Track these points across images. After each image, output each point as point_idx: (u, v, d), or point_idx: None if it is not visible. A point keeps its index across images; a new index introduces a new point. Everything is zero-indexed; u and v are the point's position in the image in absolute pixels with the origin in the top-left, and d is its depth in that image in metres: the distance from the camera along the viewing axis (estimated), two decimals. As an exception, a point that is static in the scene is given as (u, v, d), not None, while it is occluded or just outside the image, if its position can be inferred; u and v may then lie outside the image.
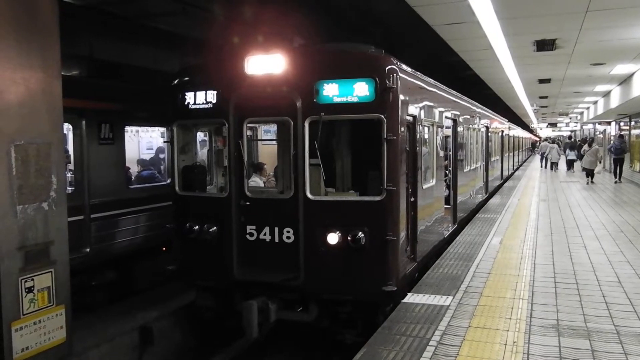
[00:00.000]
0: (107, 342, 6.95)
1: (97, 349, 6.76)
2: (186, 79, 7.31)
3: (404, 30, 12.64)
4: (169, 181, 9.38)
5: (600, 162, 23.82)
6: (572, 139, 39.78)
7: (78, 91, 7.97)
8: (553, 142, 37.26)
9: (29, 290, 5.56)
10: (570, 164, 30.21)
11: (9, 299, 5.37)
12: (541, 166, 32.61)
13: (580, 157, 28.66)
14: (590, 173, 22.39)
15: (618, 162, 22.61)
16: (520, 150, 39.74)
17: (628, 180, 23.06)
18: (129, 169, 10.13)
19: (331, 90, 6.31)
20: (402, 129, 6.55)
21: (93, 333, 7.06)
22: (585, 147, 26.26)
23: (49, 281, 5.77)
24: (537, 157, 50.14)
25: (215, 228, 6.95)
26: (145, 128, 11.16)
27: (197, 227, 7.03)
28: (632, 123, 24.70)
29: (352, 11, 11.86)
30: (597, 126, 37.28)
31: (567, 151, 31.16)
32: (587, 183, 21.89)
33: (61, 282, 5.92)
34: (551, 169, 31.24)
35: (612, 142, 25.08)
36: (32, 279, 5.59)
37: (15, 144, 5.37)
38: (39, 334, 5.69)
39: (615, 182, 22.08)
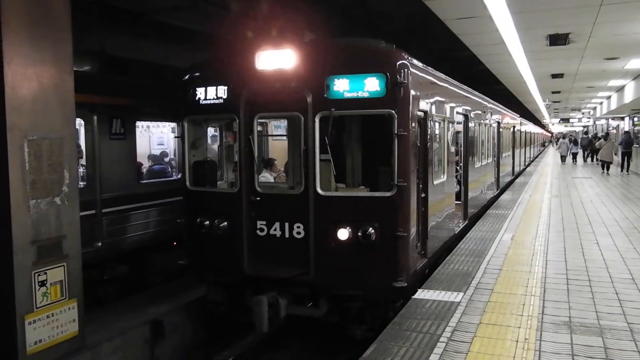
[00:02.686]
0: (119, 336, 7.00)
1: (110, 342, 6.82)
2: (197, 74, 7.32)
3: (415, 24, 12.57)
4: (179, 176, 9.43)
5: (616, 155, 25.89)
6: (587, 134, 40.32)
7: (90, 86, 8.01)
8: (564, 138, 40.70)
9: (42, 283, 5.62)
10: (573, 156, 34.05)
11: (22, 293, 5.43)
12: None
13: (593, 151, 31.46)
14: (606, 165, 24.55)
15: (626, 155, 24.74)
16: (533, 146, 39.55)
17: (634, 173, 24.21)
18: (141, 164, 10.19)
19: (342, 86, 6.29)
20: (413, 124, 6.52)
21: (105, 326, 7.12)
22: (602, 141, 27.99)
23: (62, 275, 5.83)
24: (549, 153, 50.28)
25: (225, 223, 6.97)
26: (156, 123, 11.21)
27: (207, 222, 7.06)
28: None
29: (363, 6, 11.81)
30: (611, 121, 37.03)
31: (571, 145, 34.72)
32: (602, 174, 23.82)
33: (73, 276, 5.97)
34: (562, 161, 33.12)
35: (621, 137, 27.37)
36: (45, 273, 5.65)
37: (28, 139, 5.42)
38: (52, 327, 5.75)
39: (623, 173, 24.29)
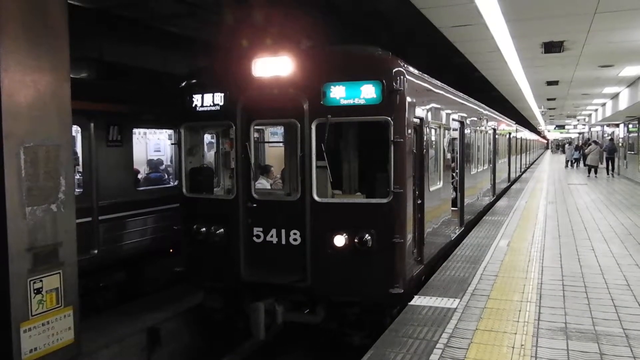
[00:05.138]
0: (116, 343, 6.98)
1: (106, 349, 6.79)
2: (194, 81, 7.33)
3: (411, 32, 12.63)
4: (176, 183, 9.42)
5: (601, 162, 28.70)
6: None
7: (87, 93, 8.02)
8: (569, 144, 44.40)
9: (38, 291, 5.60)
10: (576, 161, 36.67)
11: (18, 300, 5.42)
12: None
13: (584, 156, 33.77)
14: (593, 169, 27.48)
15: (610, 160, 28.47)
16: (528, 152, 39.79)
17: (625, 177, 26.52)
18: (138, 171, 10.18)
19: (338, 93, 6.31)
20: (409, 131, 6.54)
21: (102, 334, 7.10)
22: (591, 147, 30.47)
23: (58, 282, 5.82)
24: (546, 159, 51.22)
25: (222, 230, 6.97)
26: (153, 130, 11.21)
27: (204, 229, 7.05)
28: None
29: (360, 13, 11.87)
30: (606, 128, 37.31)
31: (573, 151, 37.58)
32: (589, 176, 26.72)
33: (69, 284, 5.96)
34: (566, 166, 36.33)
35: (605, 144, 31.09)
36: (41, 280, 5.63)
37: (24, 146, 5.42)
38: (48, 335, 5.73)
39: (608, 176, 27.28)
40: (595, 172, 27.37)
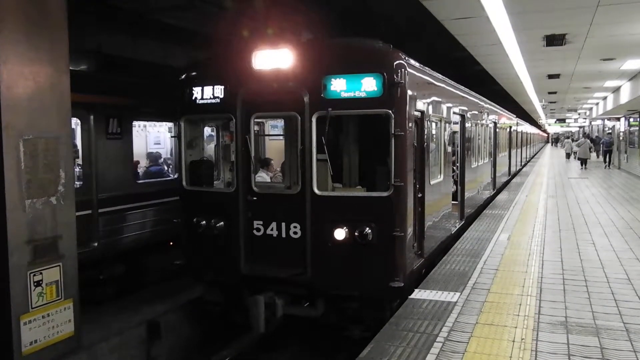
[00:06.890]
0: (115, 336, 6.98)
1: (106, 342, 6.80)
2: (194, 73, 7.31)
3: (412, 24, 12.57)
4: (176, 176, 9.40)
5: (592, 152, 30.65)
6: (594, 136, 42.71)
7: (86, 86, 7.98)
8: (567, 138, 46.73)
9: (38, 284, 5.60)
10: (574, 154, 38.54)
11: (17, 293, 5.42)
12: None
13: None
14: (583, 161, 29.10)
15: (607, 153, 30.84)
16: (529, 146, 39.81)
17: (624, 171, 27.04)
18: (137, 162, 10.16)
19: (339, 85, 6.28)
20: (410, 124, 6.52)
21: (101, 327, 7.11)
22: (581, 140, 32.77)
23: (57, 275, 5.81)
24: (546, 152, 51.26)
25: (222, 223, 6.96)
26: (152, 123, 11.18)
27: (204, 222, 7.04)
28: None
29: (360, 5, 11.81)
30: (606, 122, 37.29)
31: (574, 144, 39.09)
32: (581, 169, 27.99)
33: (69, 276, 5.95)
34: (567, 158, 37.66)
35: (603, 138, 33.72)
36: (41, 273, 5.63)
37: (24, 139, 5.40)
38: (47, 328, 5.74)
39: (605, 168, 29.14)
40: (585, 163, 28.72)
